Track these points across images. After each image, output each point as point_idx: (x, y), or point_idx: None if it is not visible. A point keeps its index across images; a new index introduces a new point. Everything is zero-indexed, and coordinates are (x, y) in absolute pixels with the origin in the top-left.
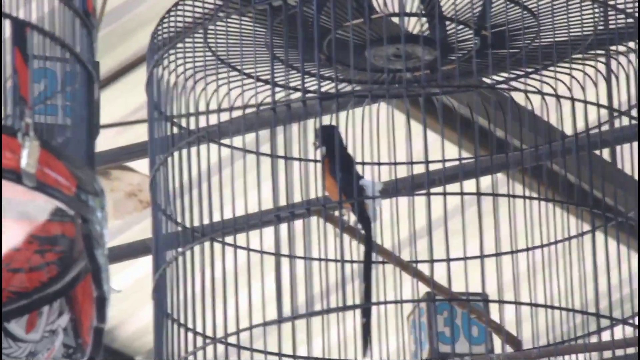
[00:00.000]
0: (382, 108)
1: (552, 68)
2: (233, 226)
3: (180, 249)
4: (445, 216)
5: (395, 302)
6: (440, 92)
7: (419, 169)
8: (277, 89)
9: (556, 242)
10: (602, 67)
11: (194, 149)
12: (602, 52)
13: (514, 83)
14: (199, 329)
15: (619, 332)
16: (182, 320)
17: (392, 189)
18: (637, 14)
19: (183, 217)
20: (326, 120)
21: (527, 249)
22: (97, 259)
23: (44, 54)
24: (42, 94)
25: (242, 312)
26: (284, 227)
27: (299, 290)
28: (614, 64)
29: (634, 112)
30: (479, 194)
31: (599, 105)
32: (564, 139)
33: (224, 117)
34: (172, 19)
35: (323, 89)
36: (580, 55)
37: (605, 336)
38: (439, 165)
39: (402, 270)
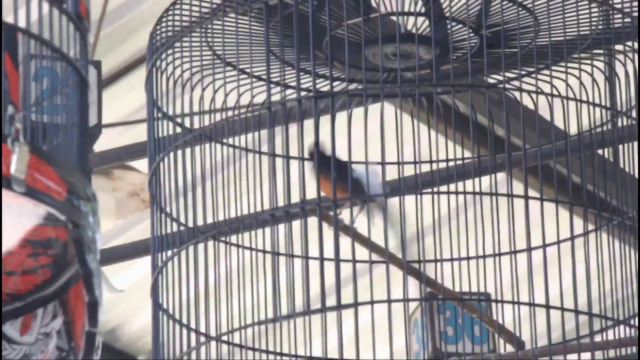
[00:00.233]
0: (376, 108)
1: (554, 68)
2: (228, 225)
3: (174, 250)
4: (443, 216)
5: (388, 301)
6: (435, 92)
7: (411, 170)
8: (274, 88)
9: (558, 242)
10: (602, 67)
11: (194, 148)
12: (601, 52)
13: (511, 83)
14: (198, 328)
15: (619, 334)
16: (179, 319)
17: (396, 189)
18: (635, 13)
19: (181, 216)
20: (324, 120)
21: (528, 249)
22: (89, 264)
23: (41, 54)
24: (45, 92)
25: (241, 312)
26: (284, 226)
27: (298, 289)
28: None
29: (633, 113)
30: (481, 193)
31: (596, 105)
32: (567, 138)
33: (223, 116)
34: (171, 18)
35: (325, 89)
36: (579, 55)
37: (605, 337)
38: (437, 165)
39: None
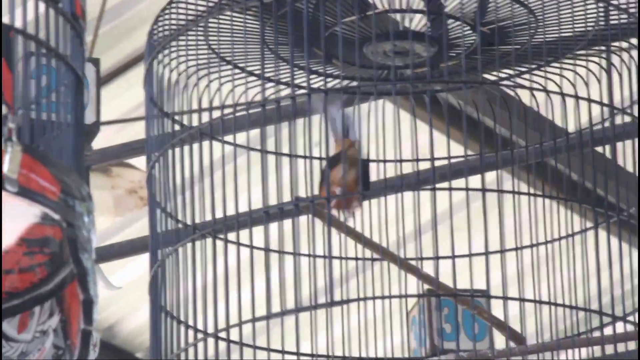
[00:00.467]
0: (380, 105)
1: (554, 65)
2: (224, 222)
3: (171, 248)
4: (440, 213)
5: (390, 297)
6: (428, 89)
7: (408, 168)
8: (269, 85)
9: (560, 239)
10: (601, 64)
11: (193, 146)
12: (599, 49)
13: (510, 80)
14: (196, 325)
15: (619, 330)
16: (177, 316)
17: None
18: (635, 10)
19: (179, 214)
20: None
21: (532, 246)
22: (83, 262)
23: (39, 52)
24: (44, 89)
25: (243, 308)
26: (287, 223)
27: (297, 287)
28: (613, 60)
29: (633, 110)
30: (484, 190)
31: (596, 102)
32: (568, 135)
33: (221, 113)
34: (167, 17)
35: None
36: (579, 52)
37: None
38: (435, 163)
39: (403, 269)
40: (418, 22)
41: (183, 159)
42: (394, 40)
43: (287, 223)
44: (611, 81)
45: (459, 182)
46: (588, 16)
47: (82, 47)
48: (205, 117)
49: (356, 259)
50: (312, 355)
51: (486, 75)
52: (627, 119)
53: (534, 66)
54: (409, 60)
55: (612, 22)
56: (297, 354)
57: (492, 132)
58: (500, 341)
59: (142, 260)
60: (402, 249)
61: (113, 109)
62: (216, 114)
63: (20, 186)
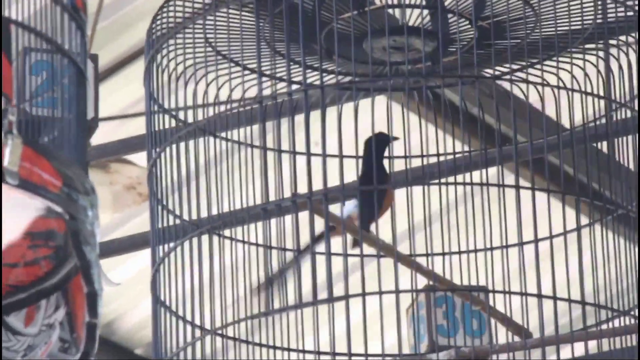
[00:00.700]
0: (378, 101)
1: (552, 60)
2: (221, 219)
3: (172, 244)
4: (434, 212)
5: (396, 292)
6: (424, 85)
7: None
8: (266, 82)
9: (551, 237)
10: (600, 60)
11: (192, 142)
12: (601, 43)
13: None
14: (196, 322)
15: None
16: (179, 313)
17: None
18: (636, 6)
19: (179, 209)
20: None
21: (534, 241)
22: (86, 255)
23: (39, 47)
24: (42, 86)
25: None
26: (288, 219)
27: (296, 285)
28: (611, 57)
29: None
30: (481, 184)
31: (598, 97)
32: (572, 129)
33: (220, 110)
34: (165, 14)
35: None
36: (584, 47)
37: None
38: (433, 160)
39: (402, 264)
40: (418, 18)
41: (179, 156)
42: (389, 36)
43: (287, 219)
44: (608, 76)
45: (458, 178)
46: (588, 10)
47: (83, 39)
48: (208, 114)
49: (364, 255)
50: (316, 352)
51: (490, 70)
52: (628, 114)
53: (534, 61)
54: (411, 56)
55: (610, 16)
56: (301, 351)
57: (491, 128)
58: (500, 337)
59: (140, 257)
60: (398, 246)
61: (111, 105)
62: (213, 110)
63: (21, 179)
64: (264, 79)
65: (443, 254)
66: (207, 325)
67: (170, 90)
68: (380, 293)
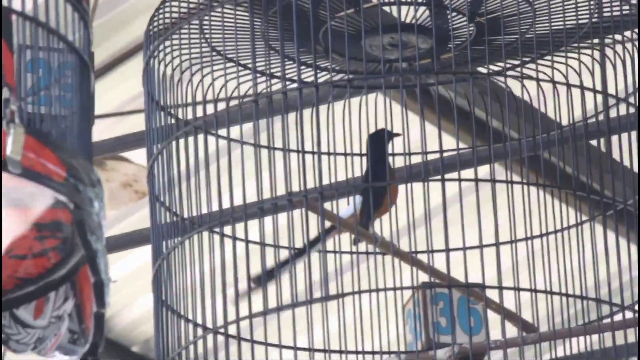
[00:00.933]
0: (373, 98)
1: (549, 56)
2: (219, 218)
3: (172, 241)
4: (433, 207)
5: (394, 289)
6: (418, 82)
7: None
8: (262, 80)
9: (557, 231)
10: (598, 57)
11: (189, 140)
12: (598, 39)
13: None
14: (197, 320)
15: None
16: (181, 311)
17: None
18: (634, 0)
19: (178, 208)
20: (307, 113)
21: (527, 238)
22: (92, 244)
23: (37, 44)
24: (38, 84)
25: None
26: (282, 217)
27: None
28: (610, 52)
29: (632, 100)
30: (477, 180)
31: (596, 92)
32: (570, 126)
33: (218, 107)
34: (164, 12)
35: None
36: (582, 43)
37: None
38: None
39: (400, 260)
40: (416, 15)
41: (179, 153)
42: (388, 33)
43: (282, 217)
44: (605, 72)
45: (462, 174)
46: (583, 7)
47: (86, 30)
48: (208, 111)
49: (359, 253)
50: (309, 349)
51: (492, 67)
52: (622, 110)
53: (533, 57)
54: (407, 53)
55: (608, 12)
56: (295, 348)
57: (485, 125)
58: (496, 333)
59: (137, 254)
60: (396, 241)
61: (107, 102)
62: (210, 108)
63: (24, 168)
64: (260, 77)
65: (446, 250)
66: (208, 324)
67: (169, 88)
68: (371, 291)
